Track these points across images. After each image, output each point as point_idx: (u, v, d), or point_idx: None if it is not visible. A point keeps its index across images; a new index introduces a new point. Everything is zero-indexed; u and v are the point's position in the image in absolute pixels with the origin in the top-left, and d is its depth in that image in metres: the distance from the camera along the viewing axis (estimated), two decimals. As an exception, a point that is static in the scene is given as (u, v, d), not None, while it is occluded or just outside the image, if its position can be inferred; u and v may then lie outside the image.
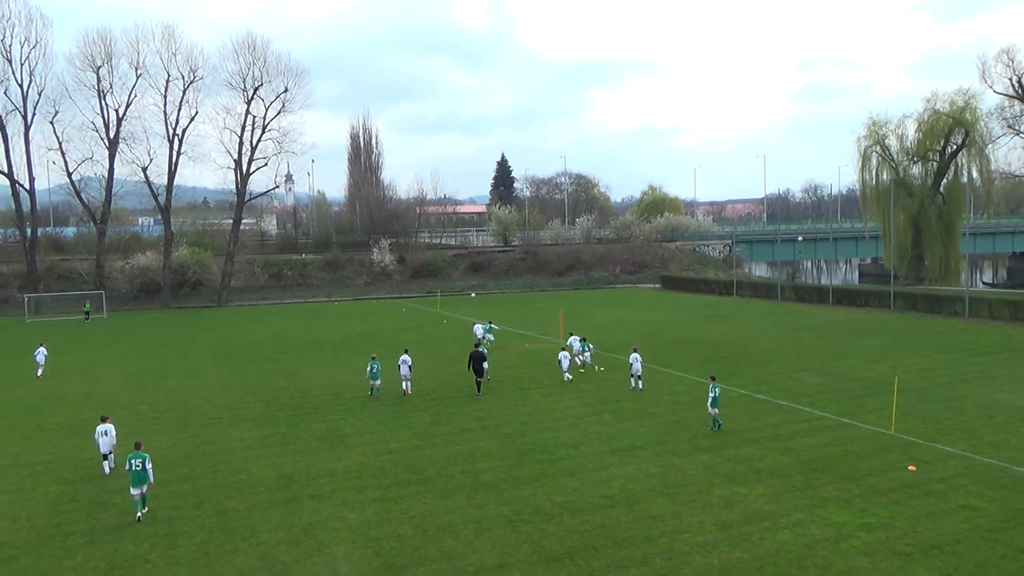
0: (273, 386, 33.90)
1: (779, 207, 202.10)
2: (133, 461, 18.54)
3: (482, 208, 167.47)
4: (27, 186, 77.19)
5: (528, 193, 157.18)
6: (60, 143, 77.24)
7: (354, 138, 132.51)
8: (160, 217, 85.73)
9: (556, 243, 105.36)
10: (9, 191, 79.43)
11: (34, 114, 76.31)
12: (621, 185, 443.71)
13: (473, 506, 18.40)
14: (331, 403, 30.09)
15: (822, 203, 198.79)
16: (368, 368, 31.49)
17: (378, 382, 31.09)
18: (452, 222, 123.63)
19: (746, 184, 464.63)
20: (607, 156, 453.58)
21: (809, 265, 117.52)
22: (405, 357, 31.14)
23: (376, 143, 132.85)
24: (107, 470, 21.74)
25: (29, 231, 78.70)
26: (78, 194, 79.27)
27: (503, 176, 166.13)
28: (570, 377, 32.92)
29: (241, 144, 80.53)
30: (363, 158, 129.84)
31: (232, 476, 21.12)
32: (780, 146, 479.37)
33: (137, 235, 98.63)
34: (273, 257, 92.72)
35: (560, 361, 33.46)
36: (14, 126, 76.00)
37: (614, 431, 24.73)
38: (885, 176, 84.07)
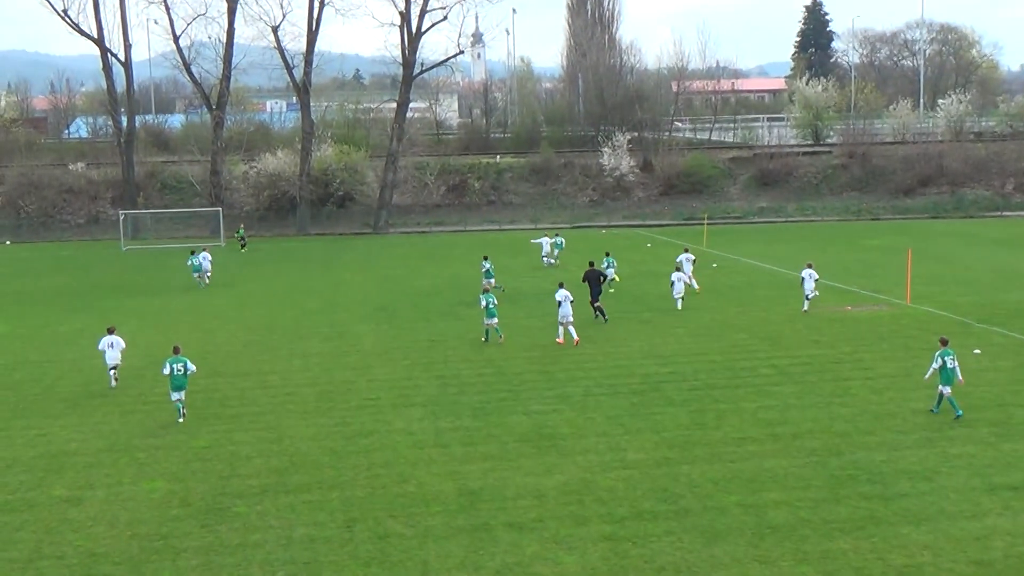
0: (453, 357, 35.49)
1: None
2: (174, 366, 27.42)
3: (778, 83, 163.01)
4: (121, 57, 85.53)
5: (856, 59, 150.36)
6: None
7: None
8: (295, 100, 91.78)
9: (901, 140, 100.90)
10: (97, 65, 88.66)
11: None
12: (1018, 44, 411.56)
13: (757, 559, 18.35)
14: (538, 386, 30.92)
15: None
16: (482, 302, 37.36)
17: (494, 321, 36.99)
18: (728, 106, 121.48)
19: None
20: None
21: None
22: (564, 292, 36.70)
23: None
24: (113, 383, 31.59)
25: (124, 121, 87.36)
26: (187, 67, 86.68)
27: (814, 31, 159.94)
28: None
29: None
30: (591, 6, 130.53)
31: (396, 486, 22.48)
32: None
33: (265, 126, 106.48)
34: (453, 160, 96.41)
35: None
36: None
37: (994, 456, 23.50)
38: None
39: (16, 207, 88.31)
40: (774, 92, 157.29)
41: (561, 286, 37.51)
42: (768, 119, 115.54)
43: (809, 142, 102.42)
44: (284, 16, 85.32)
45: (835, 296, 45.77)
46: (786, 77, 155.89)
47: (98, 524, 20.62)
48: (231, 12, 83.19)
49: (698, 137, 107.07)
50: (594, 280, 40.90)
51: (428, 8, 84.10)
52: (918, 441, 24.76)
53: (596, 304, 40.66)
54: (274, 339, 39.42)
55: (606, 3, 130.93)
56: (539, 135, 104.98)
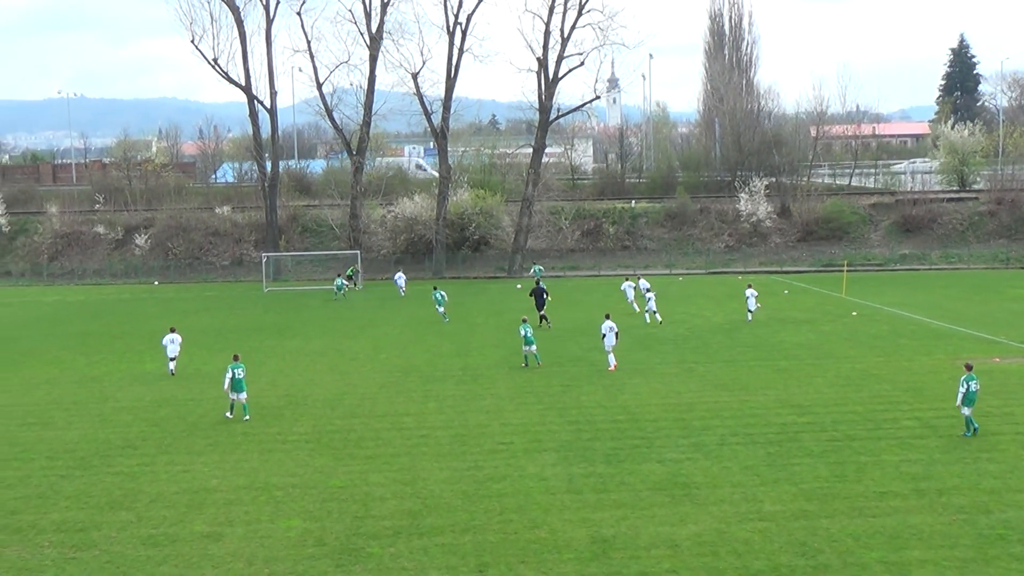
0: (586, 402, 35.47)
1: None
2: (236, 370, 32.92)
3: (921, 128, 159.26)
4: (267, 103, 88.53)
5: (1004, 102, 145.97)
6: (308, 42, 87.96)
7: (715, 20, 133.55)
8: (433, 145, 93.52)
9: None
10: (244, 111, 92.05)
11: (277, 3, 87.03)
12: None
13: (899, 621, 17.74)
14: (673, 434, 30.70)
15: None
16: (521, 332, 41.67)
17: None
18: (869, 151, 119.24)
19: None
20: None
21: None
22: (610, 323, 41.28)
23: (749, 26, 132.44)
24: (172, 369, 41.62)
25: (268, 166, 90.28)
26: (329, 113, 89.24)
27: (960, 74, 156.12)
28: None
29: (547, 34, 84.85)
30: (728, 51, 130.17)
31: (527, 532, 22.49)
32: None
33: (402, 171, 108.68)
34: (588, 205, 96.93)
35: None
36: (253, 22, 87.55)
37: None
38: None
39: (165, 249, 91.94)
40: (917, 137, 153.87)
41: (607, 317, 42.18)
42: (910, 164, 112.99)
43: (955, 188, 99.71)
44: (424, 63, 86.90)
45: (982, 347, 44.33)
46: (930, 121, 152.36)
47: (236, 561, 21.12)
48: (373, 60, 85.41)
49: (837, 182, 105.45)
50: (538, 295, 54.27)
51: (565, 54, 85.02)
52: (1075, 501, 23.68)
53: (541, 313, 53.22)
54: (409, 381, 39.97)
55: (744, 47, 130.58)
56: (675, 180, 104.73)
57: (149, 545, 22.05)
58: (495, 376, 40.64)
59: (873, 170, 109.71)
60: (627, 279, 64.17)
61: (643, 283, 62.16)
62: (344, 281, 71.64)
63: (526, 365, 41.86)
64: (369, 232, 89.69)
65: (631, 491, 25.20)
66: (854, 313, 56.29)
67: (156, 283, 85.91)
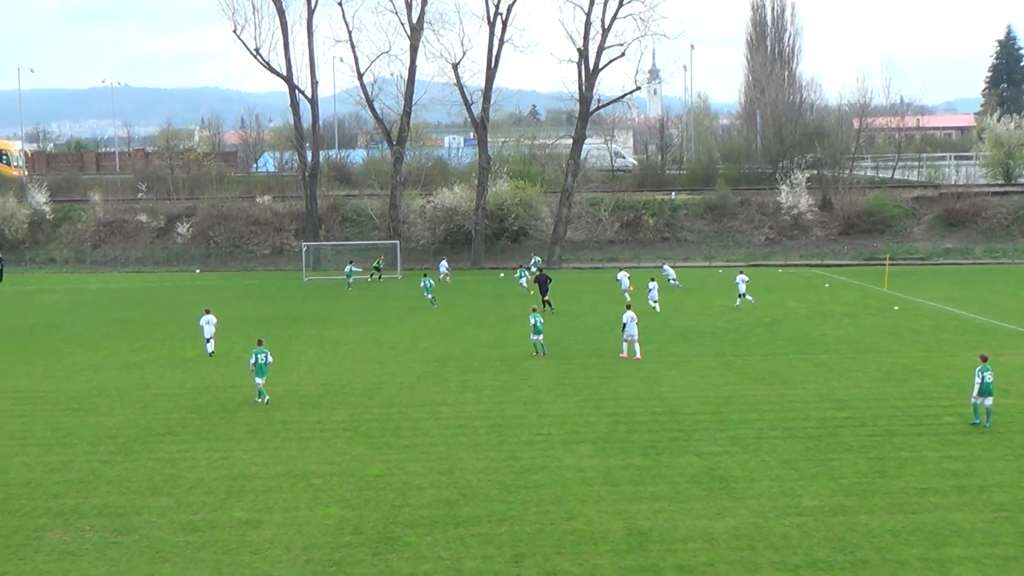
0: (624, 394, 35.42)
1: None
2: (259, 355, 33.76)
3: (967, 120, 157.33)
4: (308, 93, 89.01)
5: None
6: (350, 32, 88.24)
7: (757, 11, 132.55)
8: (472, 135, 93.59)
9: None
10: (285, 101, 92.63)
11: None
12: None
13: (938, 618, 17.60)
14: (710, 427, 30.60)
15: None
16: (530, 320, 43.47)
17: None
18: (913, 144, 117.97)
19: None
20: None
21: None
22: (630, 314, 41.89)
23: (792, 17, 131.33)
24: (210, 350, 43.23)
25: (309, 156, 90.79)
26: (370, 103, 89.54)
27: (1007, 66, 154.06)
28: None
29: (588, 24, 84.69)
30: (770, 42, 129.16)
31: (564, 523, 22.50)
32: None
33: (442, 161, 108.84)
34: (627, 197, 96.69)
35: None
36: (295, 12, 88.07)
37: None
38: None
39: (206, 237, 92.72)
40: (962, 129, 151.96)
41: (628, 308, 43.18)
42: (955, 157, 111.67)
43: (1000, 182, 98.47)
44: (464, 53, 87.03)
45: (1028, 343, 43.81)
46: (976, 114, 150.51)
47: (275, 547, 21.29)
48: (413, 50, 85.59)
49: (880, 175, 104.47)
50: (542, 282, 57.78)
51: (606, 45, 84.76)
52: (1120, 500, 23.38)
53: (546, 298, 56.31)
54: (447, 371, 40.08)
55: (786, 39, 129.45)
56: (715, 172, 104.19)
57: (189, 531, 22.27)
58: (532, 367, 40.65)
59: (917, 163, 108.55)
60: (624, 270, 66.56)
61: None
62: (356, 268, 73.57)
63: (536, 353, 42.80)
64: (408, 222, 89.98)
65: (668, 484, 25.14)
66: (896, 307, 55.87)
67: (197, 271, 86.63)
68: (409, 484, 25.25)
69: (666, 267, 70.47)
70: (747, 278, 58.04)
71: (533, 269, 71.55)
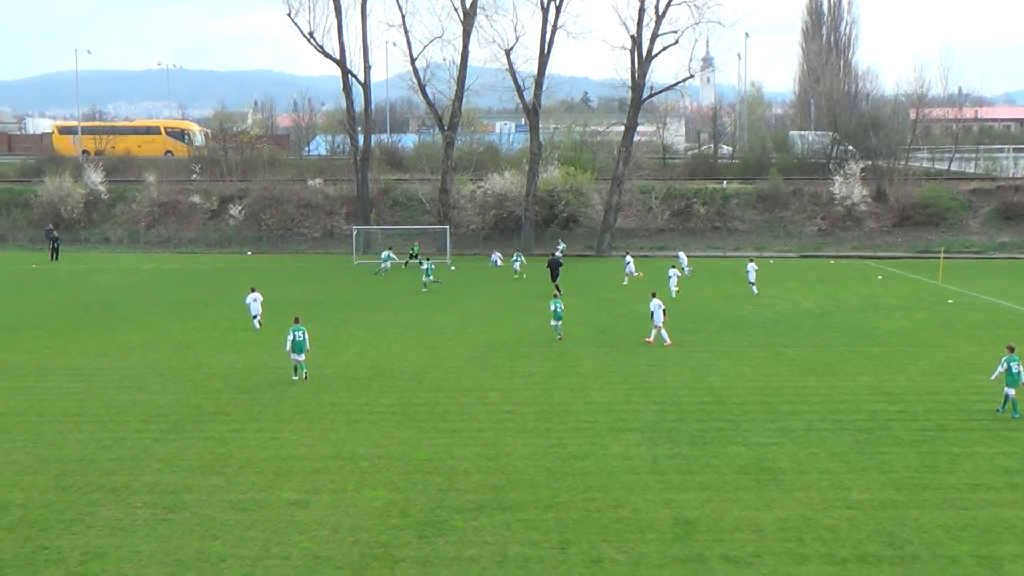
0: (672, 383, 35.36)
1: None
2: (296, 333, 34.92)
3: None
4: (361, 77, 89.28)
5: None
6: (403, 17, 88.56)
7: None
8: (524, 121, 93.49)
9: None
10: (337, 85, 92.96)
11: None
12: None
13: (989, 616, 17.42)
14: (759, 418, 30.52)
15: None
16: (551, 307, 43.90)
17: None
18: (971, 135, 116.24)
19: None
20: None
21: None
22: (656, 302, 42.46)
23: (849, 6, 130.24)
24: (257, 326, 45.81)
25: (361, 140, 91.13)
26: (422, 88, 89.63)
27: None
28: None
29: (642, 11, 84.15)
30: (826, 31, 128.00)
31: (610, 511, 22.55)
32: None
33: (493, 147, 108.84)
34: (678, 185, 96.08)
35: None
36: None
37: None
38: None
39: (258, 219, 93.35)
40: (1021, 121, 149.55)
41: (654, 296, 43.60)
42: (1014, 149, 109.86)
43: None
44: (517, 39, 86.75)
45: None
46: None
47: (322, 528, 21.50)
48: (466, 35, 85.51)
49: (936, 167, 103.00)
50: (554, 266, 60.34)
51: (660, 32, 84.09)
52: None
53: (555, 283, 57.91)
54: (495, 357, 40.18)
55: (842, 27, 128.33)
56: (768, 161, 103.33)
57: (238, 509, 22.55)
58: (581, 354, 40.65)
59: (974, 155, 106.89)
60: (627, 253, 70.73)
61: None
62: (393, 256, 73.10)
63: (561, 338, 43.52)
64: (459, 207, 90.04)
65: (716, 474, 25.12)
66: (950, 301, 55.17)
67: (249, 253, 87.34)
68: (456, 468, 25.42)
69: (680, 253, 71.75)
70: (757, 267, 59.30)
71: (557, 253, 72.89)
